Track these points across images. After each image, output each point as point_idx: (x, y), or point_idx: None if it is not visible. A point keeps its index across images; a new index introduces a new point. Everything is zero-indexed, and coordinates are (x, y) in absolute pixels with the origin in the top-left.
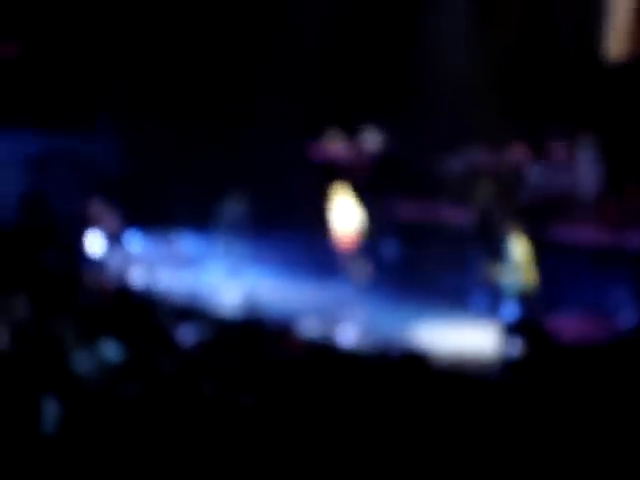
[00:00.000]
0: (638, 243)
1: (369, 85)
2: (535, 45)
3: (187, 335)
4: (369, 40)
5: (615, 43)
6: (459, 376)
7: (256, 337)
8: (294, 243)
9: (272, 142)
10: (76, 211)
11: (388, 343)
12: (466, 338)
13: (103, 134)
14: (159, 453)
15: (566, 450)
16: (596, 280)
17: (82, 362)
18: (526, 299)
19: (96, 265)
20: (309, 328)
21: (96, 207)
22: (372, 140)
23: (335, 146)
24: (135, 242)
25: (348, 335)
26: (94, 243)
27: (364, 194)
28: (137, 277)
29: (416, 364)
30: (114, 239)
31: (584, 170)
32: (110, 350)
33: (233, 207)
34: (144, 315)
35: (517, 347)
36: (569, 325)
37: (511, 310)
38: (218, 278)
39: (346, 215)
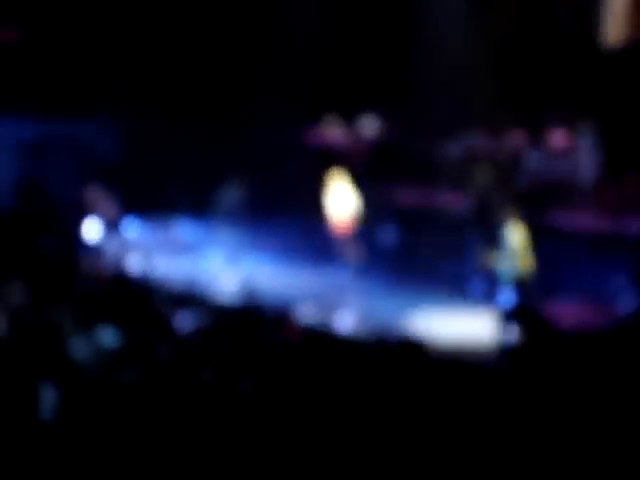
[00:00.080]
0: (637, 229)
1: (367, 71)
2: (534, 30)
3: (185, 322)
4: (367, 26)
5: (613, 28)
6: (456, 363)
7: (254, 323)
8: (292, 229)
9: (270, 128)
10: (74, 197)
11: (385, 329)
12: (464, 325)
13: (102, 121)
14: (157, 440)
15: (565, 437)
16: (595, 267)
17: (79, 348)
18: (523, 286)
19: (94, 251)
20: (307, 314)
21: (94, 193)
22: (370, 126)
23: (333, 132)
24: (133, 228)
25: (346, 321)
26: (92, 229)
27: (362, 180)
28: (135, 264)
29: (413, 350)
30: (112, 225)
31: (583, 156)
32: (108, 336)
33: (231, 194)
34: (142, 302)
35: (515, 334)
36: (568, 312)
37: (508, 297)
38: (216, 265)
39: (344, 201)
